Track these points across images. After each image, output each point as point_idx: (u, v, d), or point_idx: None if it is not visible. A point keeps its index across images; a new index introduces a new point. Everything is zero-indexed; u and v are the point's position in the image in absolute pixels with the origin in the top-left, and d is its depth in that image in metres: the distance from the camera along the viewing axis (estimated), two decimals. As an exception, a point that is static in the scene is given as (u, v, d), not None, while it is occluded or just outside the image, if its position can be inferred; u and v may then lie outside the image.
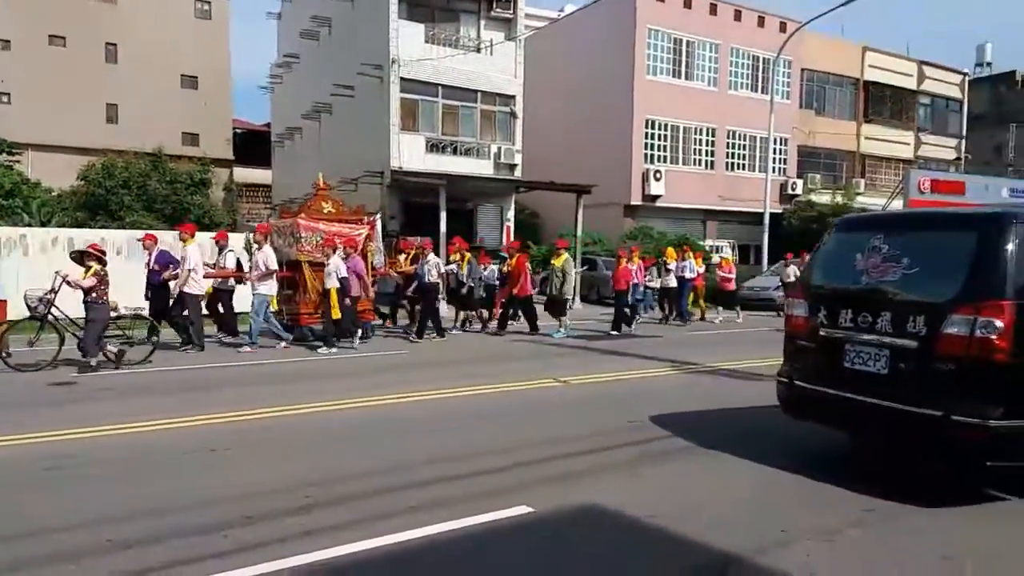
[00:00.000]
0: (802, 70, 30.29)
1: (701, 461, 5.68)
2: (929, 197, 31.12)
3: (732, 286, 18.19)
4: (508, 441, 6.09)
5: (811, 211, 27.65)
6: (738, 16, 28.53)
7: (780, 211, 27.72)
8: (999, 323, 4.31)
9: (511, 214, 24.43)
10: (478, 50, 23.32)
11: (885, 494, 4.78)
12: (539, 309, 14.73)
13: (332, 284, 11.37)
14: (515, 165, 23.56)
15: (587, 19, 28.69)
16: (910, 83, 34.32)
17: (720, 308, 18.17)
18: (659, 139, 27.10)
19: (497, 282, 15.04)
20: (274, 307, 11.90)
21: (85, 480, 4.98)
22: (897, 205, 30.06)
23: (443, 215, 20.42)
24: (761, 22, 28.97)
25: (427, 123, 22.67)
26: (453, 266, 14.56)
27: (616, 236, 24.01)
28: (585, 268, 21.65)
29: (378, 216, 14.30)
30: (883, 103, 33.68)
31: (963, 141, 36.83)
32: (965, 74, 37.54)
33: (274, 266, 11.42)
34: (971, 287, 4.49)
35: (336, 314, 11.39)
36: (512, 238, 23.88)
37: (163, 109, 34.87)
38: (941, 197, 31.64)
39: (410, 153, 22.06)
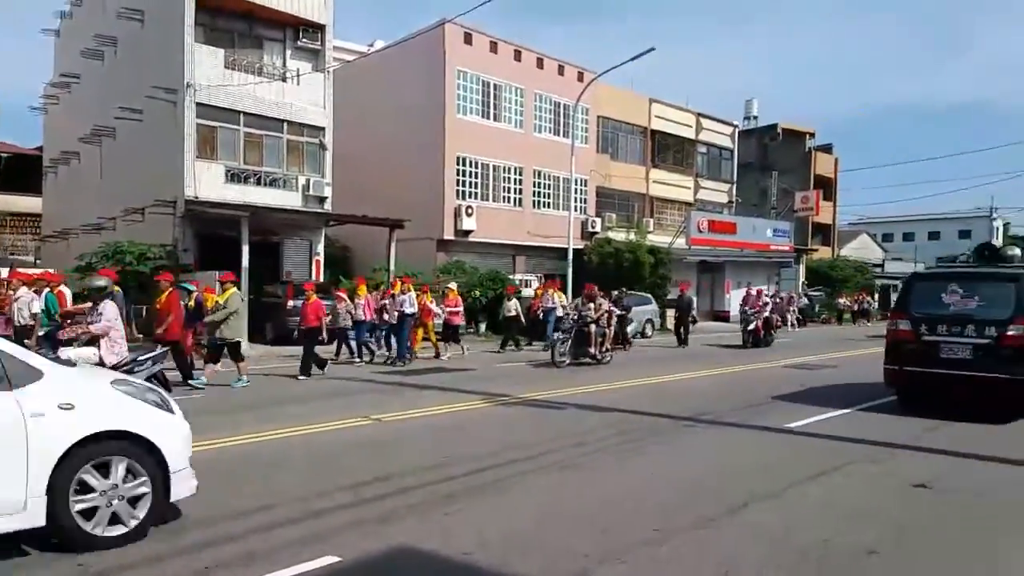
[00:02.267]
0: (598, 117, 32.60)
1: (518, 494, 5.74)
2: (707, 236, 35.13)
3: (459, 320, 17.87)
4: (315, 486, 5.77)
5: (609, 247, 29.74)
6: (540, 64, 30.19)
7: (582, 247, 29.43)
8: None
9: (321, 248, 23.67)
10: (284, 79, 22.55)
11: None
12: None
13: None
14: (325, 198, 22.92)
15: (398, 56, 28.87)
16: (689, 133, 38.19)
17: (450, 345, 17.31)
18: (470, 176, 27.75)
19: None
20: None
21: None
22: (680, 243, 33.43)
23: (245, 249, 19.27)
24: (561, 71, 30.87)
25: (227, 151, 21.40)
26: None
27: (430, 270, 24.09)
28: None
29: None
30: (667, 150, 37.16)
31: (734, 186, 41.53)
32: (735, 126, 42.45)
33: None
34: (1018, 310, 8.77)
35: None
36: (322, 272, 23.21)
37: (-97, 125, 29.93)
38: (716, 236, 35.82)
39: (208, 182, 20.65)
